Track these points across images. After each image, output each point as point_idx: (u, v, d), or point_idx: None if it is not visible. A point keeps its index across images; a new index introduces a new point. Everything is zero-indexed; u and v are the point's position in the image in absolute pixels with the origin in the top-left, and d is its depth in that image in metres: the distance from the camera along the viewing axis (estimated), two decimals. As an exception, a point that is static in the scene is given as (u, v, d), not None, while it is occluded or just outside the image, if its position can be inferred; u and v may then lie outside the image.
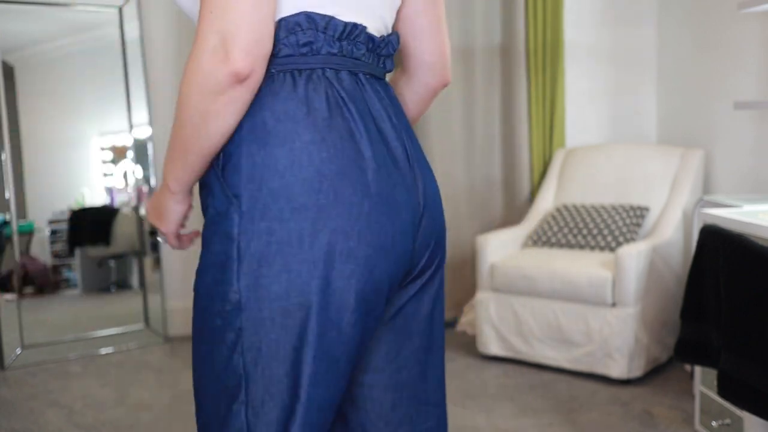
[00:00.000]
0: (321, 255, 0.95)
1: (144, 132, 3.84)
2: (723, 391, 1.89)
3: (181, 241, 1.19)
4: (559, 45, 3.66)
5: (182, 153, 0.99)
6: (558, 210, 3.44)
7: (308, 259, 0.95)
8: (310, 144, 0.95)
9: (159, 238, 1.21)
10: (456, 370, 3.16)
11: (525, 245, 3.43)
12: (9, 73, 3.67)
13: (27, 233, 3.82)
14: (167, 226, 1.14)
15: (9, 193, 3.58)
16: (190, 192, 1.09)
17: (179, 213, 1.12)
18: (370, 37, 1.04)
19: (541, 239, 3.37)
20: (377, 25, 1.07)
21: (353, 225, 0.96)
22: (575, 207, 3.41)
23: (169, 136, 1.02)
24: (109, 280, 4.13)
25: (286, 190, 0.94)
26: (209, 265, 0.98)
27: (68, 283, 4.02)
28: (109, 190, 4.03)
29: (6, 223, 3.61)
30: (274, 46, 0.96)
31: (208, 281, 0.98)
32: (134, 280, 4.10)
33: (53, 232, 3.93)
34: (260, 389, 0.97)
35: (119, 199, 4.02)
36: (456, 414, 2.69)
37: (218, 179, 0.98)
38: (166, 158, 1.04)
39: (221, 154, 0.99)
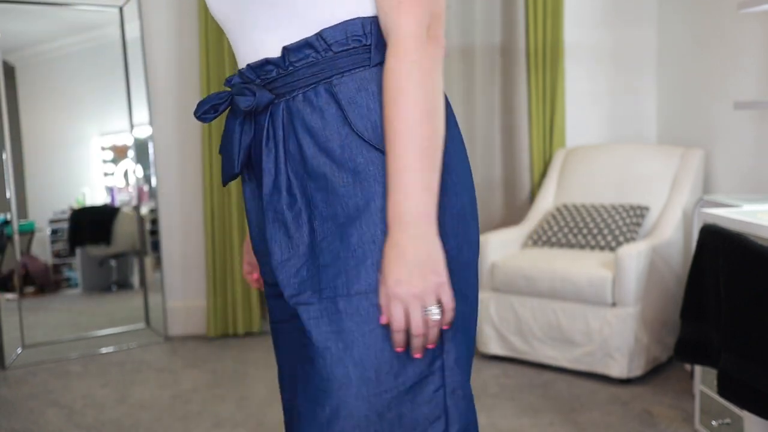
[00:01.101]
0: (475, 218, 1.06)
1: (145, 131, 3.84)
2: (723, 391, 1.89)
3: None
4: (559, 45, 3.67)
5: (429, 162, 0.92)
6: (558, 210, 3.44)
7: (475, 224, 1.05)
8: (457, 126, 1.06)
9: (432, 313, 0.93)
10: (456, 369, 3.16)
11: (525, 245, 3.43)
12: (10, 72, 3.68)
13: (28, 233, 3.83)
14: (443, 272, 0.94)
15: (10, 193, 3.58)
16: None
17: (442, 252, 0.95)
18: None
19: (541, 239, 3.37)
20: None
21: (474, 193, 1.07)
22: (575, 207, 3.41)
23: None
24: (110, 280, 4.13)
25: (466, 170, 1.04)
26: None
27: (69, 283, 4.02)
28: (110, 190, 4.04)
29: (7, 223, 3.61)
30: None
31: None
32: (135, 280, 4.11)
33: (54, 232, 3.93)
34: (462, 330, 1.01)
35: (120, 199, 4.02)
36: (456, 413, 2.69)
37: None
38: (406, 190, 0.91)
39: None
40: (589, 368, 2.98)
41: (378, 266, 0.94)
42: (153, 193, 3.88)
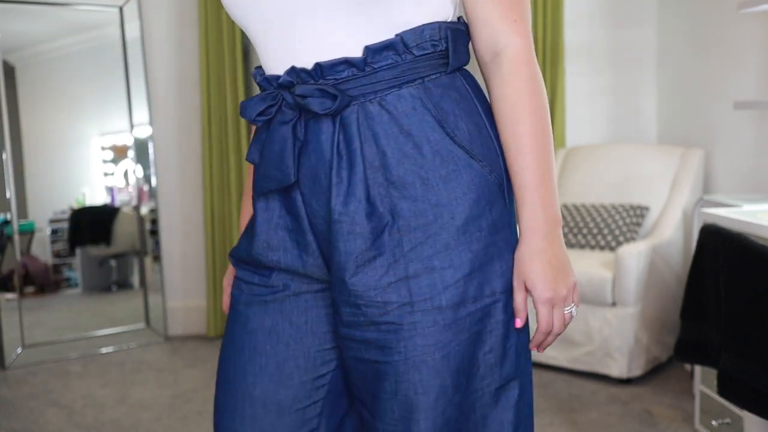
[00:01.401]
0: None
1: (144, 131, 3.84)
2: (723, 391, 1.90)
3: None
4: (559, 45, 3.67)
5: (553, 170, 0.99)
6: (558, 210, 3.44)
7: None
8: None
9: (571, 311, 1.00)
10: (456, 369, 3.17)
11: (525, 245, 3.43)
12: (10, 72, 3.68)
13: (28, 233, 3.83)
14: (573, 271, 1.01)
15: (10, 193, 3.58)
16: None
17: None
18: None
19: (541, 239, 3.37)
20: None
21: None
22: (575, 206, 3.41)
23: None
24: (110, 280, 4.13)
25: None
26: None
27: (69, 283, 4.02)
28: (110, 190, 4.04)
29: (7, 223, 3.61)
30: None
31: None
32: (135, 280, 4.11)
33: (54, 232, 3.93)
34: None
35: (120, 199, 4.02)
36: (456, 413, 2.69)
37: (488, 174, 1.00)
38: (544, 201, 0.99)
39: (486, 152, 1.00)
40: (589, 368, 2.98)
41: (472, 276, 0.95)
42: (153, 193, 3.88)
